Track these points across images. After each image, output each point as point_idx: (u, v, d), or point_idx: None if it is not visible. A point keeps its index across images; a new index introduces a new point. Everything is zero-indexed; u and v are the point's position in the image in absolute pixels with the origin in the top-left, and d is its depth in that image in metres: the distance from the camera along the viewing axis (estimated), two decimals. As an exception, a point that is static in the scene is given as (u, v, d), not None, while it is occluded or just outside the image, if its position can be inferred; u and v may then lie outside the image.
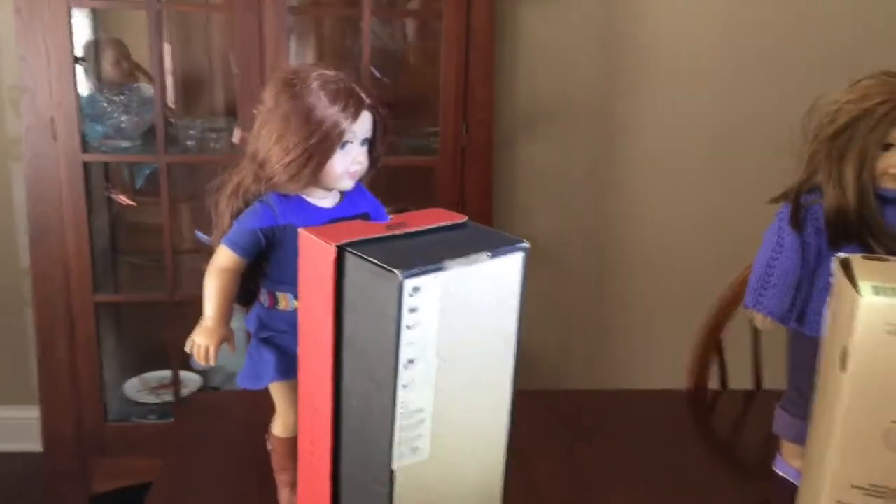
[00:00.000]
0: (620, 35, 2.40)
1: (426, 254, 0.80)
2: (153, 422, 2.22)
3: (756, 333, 1.49)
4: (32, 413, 2.23)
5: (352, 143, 0.93)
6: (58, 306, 2.07)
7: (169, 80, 2.37)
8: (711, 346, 1.50)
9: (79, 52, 2.18)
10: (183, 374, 2.30)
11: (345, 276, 0.80)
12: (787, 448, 1.15)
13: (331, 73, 0.92)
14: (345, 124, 0.91)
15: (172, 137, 2.20)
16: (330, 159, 0.92)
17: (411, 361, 0.80)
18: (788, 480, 1.13)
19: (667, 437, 1.26)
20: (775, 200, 1.12)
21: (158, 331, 2.27)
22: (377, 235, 0.83)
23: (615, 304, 2.60)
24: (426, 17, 2.27)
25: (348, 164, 0.93)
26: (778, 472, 1.16)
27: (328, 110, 0.90)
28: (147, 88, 2.21)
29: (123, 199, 2.47)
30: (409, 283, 0.76)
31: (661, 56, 2.41)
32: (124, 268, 2.46)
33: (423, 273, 0.77)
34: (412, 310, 0.78)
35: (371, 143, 0.96)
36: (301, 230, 0.83)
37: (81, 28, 2.25)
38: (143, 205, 2.41)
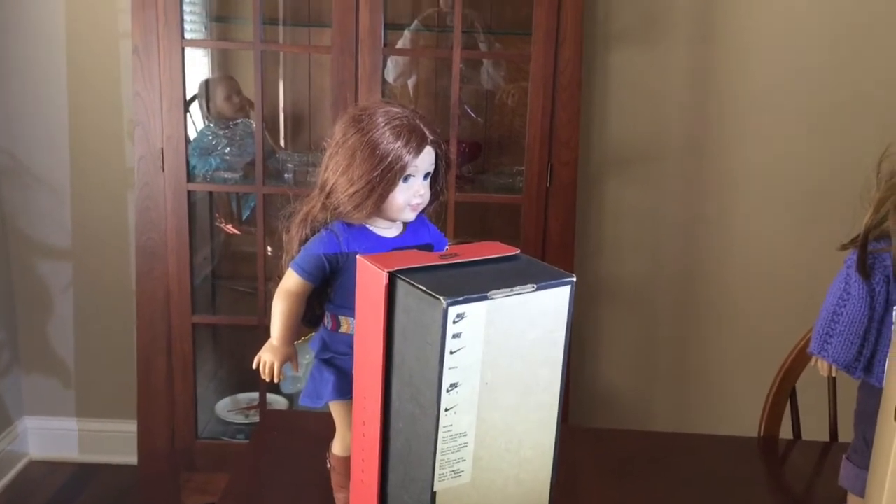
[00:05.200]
0: (714, 79, 2.39)
1: (473, 283, 0.83)
2: (241, 441, 2.31)
3: (832, 383, 1.45)
4: (132, 427, 2.35)
5: (414, 176, 0.98)
6: (158, 327, 2.19)
7: (280, 116, 2.49)
8: (785, 394, 1.47)
9: (195, 90, 2.33)
10: (271, 396, 2.39)
11: (396, 301, 0.85)
12: (853, 501, 1.11)
13: (396, 109, 0.97)
14: (407, 158, 0.95)
15: (276, 170, 2.31)
16: (392, 191, 0.96)
17: (454, 386, 0.83)
18: (853, 534, 1.10)
19: (728, 483, 1.24)
20: (845, 247, 1.11)
21: (251, 354, 2.35)
22: (430, 264, 0.87)
23: (701, 348, 2.56)
24: (515, 59, 2.31)
25: (410, 196, 0.98)
26: (844, 525, 1.13)
27: (391, 145, 0.95)
28: (253, 123, 2.33)
29: (229, 229, 2.59)
30: (453, 310, 0.80)
31: (754, 101, 2.39)
32: (225, 293, 2.57)
33: (467, 301, 0.81)
34: (456, 335, 0.81)
35: (434, 177, 1.01)
36: (359, 257, 0.87)
37: (200, 67, 2.40)
38: (247, 234, 2.53)
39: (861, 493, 1.08)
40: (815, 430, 1.55)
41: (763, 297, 2.49)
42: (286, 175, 2.29)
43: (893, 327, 0.92)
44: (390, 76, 2.31)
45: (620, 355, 2.59)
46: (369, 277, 0.86)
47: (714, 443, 1.39)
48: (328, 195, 0.98)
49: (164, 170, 2.10)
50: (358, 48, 2.03)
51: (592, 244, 2.50)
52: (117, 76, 2.42)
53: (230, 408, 2.43)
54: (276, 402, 2.42)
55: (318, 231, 1.01)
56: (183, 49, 2.06)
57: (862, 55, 2.34)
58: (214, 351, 2.57)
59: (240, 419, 2.38)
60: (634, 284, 2.53)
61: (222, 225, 2.59)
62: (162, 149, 2.09)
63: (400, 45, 2.29)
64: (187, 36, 2.09)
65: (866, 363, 1.08)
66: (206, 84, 2.41)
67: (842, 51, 2.34)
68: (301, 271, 0.99)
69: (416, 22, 2.29)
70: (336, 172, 0.97)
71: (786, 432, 1.50)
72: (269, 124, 2.43)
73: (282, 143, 2.50)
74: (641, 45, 2.38)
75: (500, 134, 2.48)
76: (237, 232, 2.58)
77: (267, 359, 1.02)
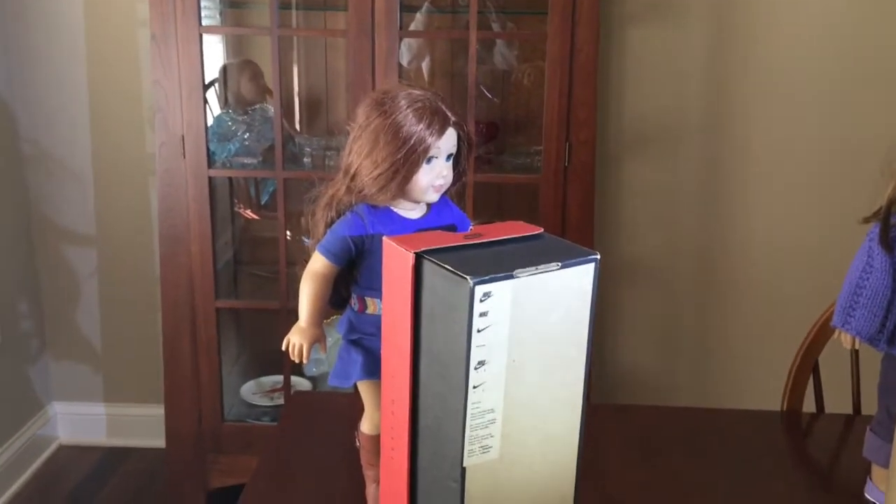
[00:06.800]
0: (730, 56, 2.38)
1: (499, 262, 0.84)
2: (266, 423, 2.34)
3: (855, 357, 1.45)
4: (159, 411, 2.38)
5: (437, 158, 0.99)
6: (183, 311, 2.22)
7: (296, 101, 2.50)
8: (808, 369, 1.48)
9: (213, 75, 2.34)
10: (295, 379, 2.41)
11: (422, 281, 0.86)
12: (878, 472, 1.12)
13: (418, 92, 0.98)
14: (430, 140, 0.96)
15: (294, 155, 2.32)
16: (416, 173, 0.98)
17: (482, 363, 0.84)
18: (878, 505, 1.11)
19: (754, 457, 1.25)
20: (867, 220, 1.11)
21: (274, 337, 2.37)
22: (455, 244, 0.88)
23: (721, 323, 2.56)
24: (531, 39, 2.31)
25: (433, 178, 0.99)
26: (869, 497, 1.14)
27: (414, 128, 0.96)
28: (270, 108, 2.35)
29: (248, 214, 2.61)
30: (479, 289, 0.81)
31: (770, 77, 2.38)
32: (246, 278, 2.60)
33: (493, 280, 0.82)
34: (483, 314, 0.82)
35: (456, 159, 1.02)
36: (385, 238, 0.89)
37: (216, 52, 2.41)
38: (266, 219, 2.55)
39: (885, 464, 1.09)
40: (838, 403, 1.56)
41: (784, 272, 2.49)
42: (305, 159, 2.30)
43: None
44: (404, 59, 2.32)
45: (642, 333, 2.60)
46: (396, 258, 0.88)
47: (738, 417, 1.40)
48: (352, 178, 1.00)
49: (184, 156, 2.12)
50: (374, 31, 2.03)
51: (611, 223, 2.50)
52: (136, 64, 2.44)
53: (255, 391, 2.46)
54: (300, 384, 2.45)
55: (344, 214, 1.02)
56: (201, 36, 2.07)
57: (882, 29, 2.32)
58: (237, 335, 2.60)
59: (265, 402, 2.41)
60: (654, 262, 2.54)
61: (241, 210, 2.61)
62: (182, 135, 2.11)
63: (413, 27, 2.29)
64: (204, 22, 2.10)
65: (889, 335, 1.09)
66: (225, 69, 2.42)
67: (861, 24, 2.32)
68: (327, 254, 1.01)
69: (426, 4, 2.29)
70: (360, 155, 0.98)
71: (808, 406, 1.51)
72: (286, 109, 2.45)
73: (297, 127, 2.51)
74: (658, 22, 2.37)
75: (516, 114, 2.48)
76: (256, 217, 2.60)
77: (295, 340, 1.04)
